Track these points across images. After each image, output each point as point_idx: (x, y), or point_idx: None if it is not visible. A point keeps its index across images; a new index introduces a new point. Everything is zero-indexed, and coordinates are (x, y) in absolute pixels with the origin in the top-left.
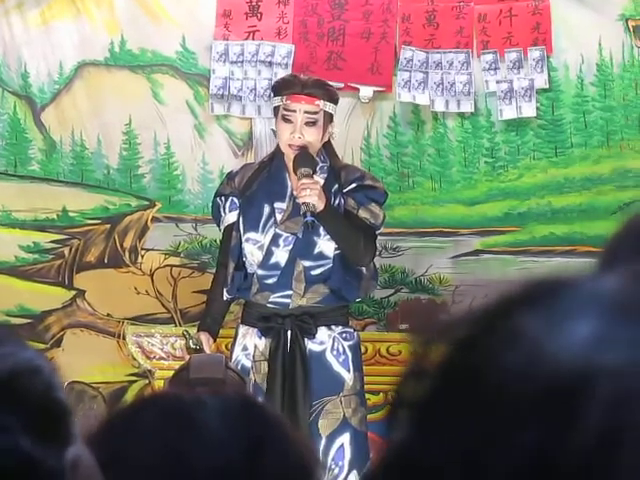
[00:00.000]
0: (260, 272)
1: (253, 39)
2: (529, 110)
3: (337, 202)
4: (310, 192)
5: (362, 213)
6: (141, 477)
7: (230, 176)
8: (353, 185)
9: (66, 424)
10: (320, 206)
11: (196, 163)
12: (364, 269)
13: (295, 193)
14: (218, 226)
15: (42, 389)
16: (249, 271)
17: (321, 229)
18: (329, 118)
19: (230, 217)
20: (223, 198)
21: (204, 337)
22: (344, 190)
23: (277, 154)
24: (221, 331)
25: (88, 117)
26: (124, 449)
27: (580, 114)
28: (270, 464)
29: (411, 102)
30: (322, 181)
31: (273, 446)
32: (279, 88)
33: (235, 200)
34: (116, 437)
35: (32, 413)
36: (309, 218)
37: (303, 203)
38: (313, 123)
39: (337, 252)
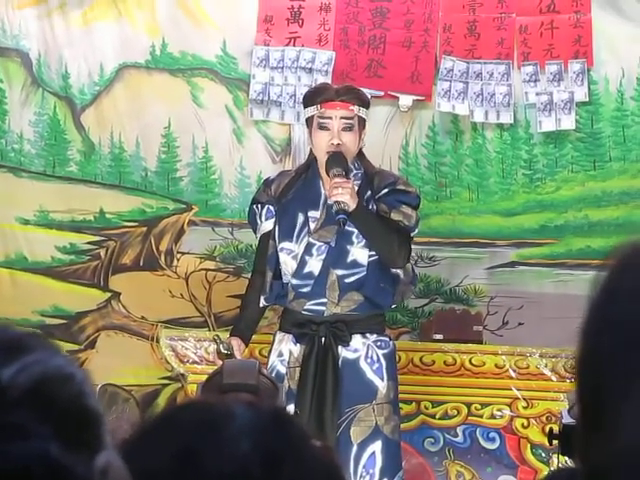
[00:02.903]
0: (294, 281)
1: (294, 45)
2: (568, 123)
3: (370, 208)
4: (342, 190)
5: (394, 216)
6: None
7: (267, 183)
8: (385, 190)
9: (96, 431)
10: (352, 205)
11: (234, 167)
12: (401, 274)
13: (327, 194)
14: (254, 233)
15: (72, 396)
16: (284, 280)
17: (354, 237)
18: (363, 123)
19: (266, 225)
20: (259, 206)
21: (235, 342)
22: (376, 196)
23: (312, 163)
24: (255, 337)
25: (127, 119)
26: (144, 453)
27: (619, 128)
28: (288, 478)
29: (450, 112)
30: (356, 188)
31: (294, 463)
32: (312, 97)
33: (271, 208)
34: (140, 444)
35: (62, 420)
36: (341, 216)
37: (335, 202)
38: (350, 128)
39: (371, 259)
